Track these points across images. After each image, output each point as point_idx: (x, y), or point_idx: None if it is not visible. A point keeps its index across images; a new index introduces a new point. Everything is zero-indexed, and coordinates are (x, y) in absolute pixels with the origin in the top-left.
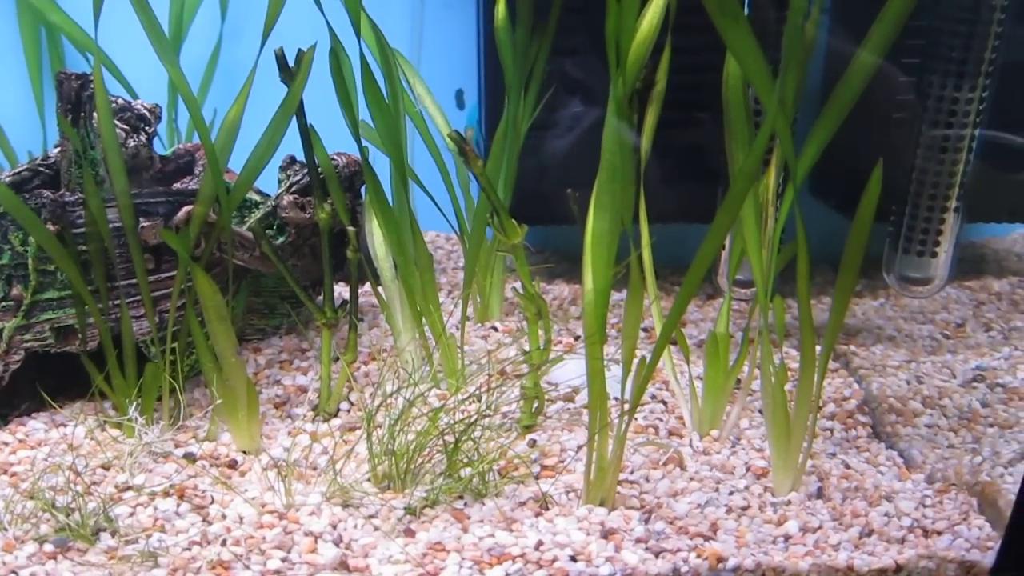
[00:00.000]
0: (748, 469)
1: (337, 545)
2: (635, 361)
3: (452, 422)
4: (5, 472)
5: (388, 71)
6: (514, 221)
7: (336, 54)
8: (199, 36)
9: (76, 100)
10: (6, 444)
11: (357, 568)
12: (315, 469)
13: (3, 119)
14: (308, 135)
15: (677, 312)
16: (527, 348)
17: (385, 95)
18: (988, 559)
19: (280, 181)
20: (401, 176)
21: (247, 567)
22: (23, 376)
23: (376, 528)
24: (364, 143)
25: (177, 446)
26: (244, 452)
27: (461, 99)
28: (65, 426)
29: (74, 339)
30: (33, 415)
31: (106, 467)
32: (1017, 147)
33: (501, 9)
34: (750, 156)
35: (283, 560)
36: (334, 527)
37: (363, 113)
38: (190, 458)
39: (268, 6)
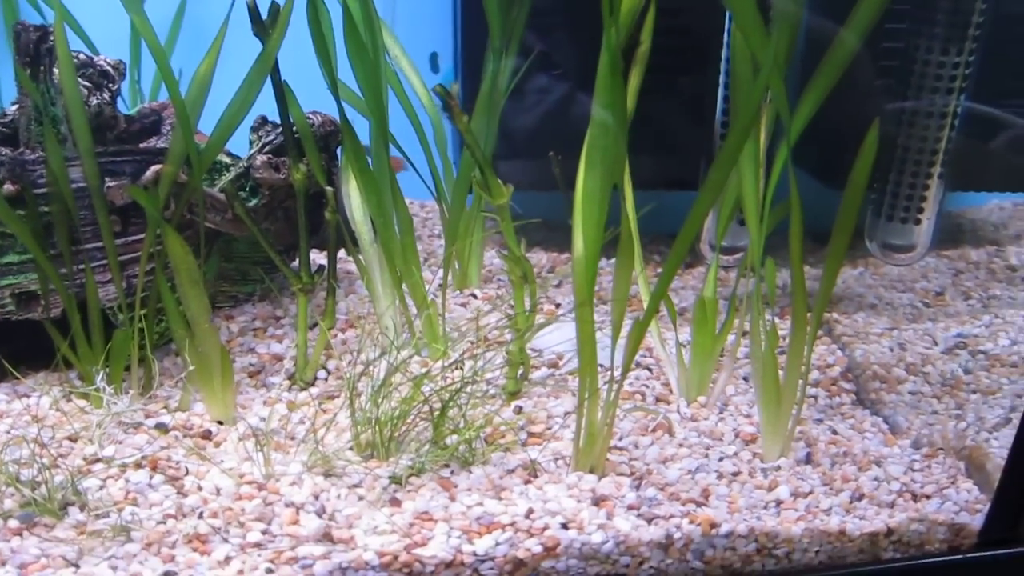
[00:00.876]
0: (737, 435)
1: (320, 516)
2: (624, 326)
3: (436, 389)
4: None
5: (369, 23)
6: (499, 181)
7: (314, 5)
8: None
9: (35, 53)
10: None
11: (342, 539)
12: (293, 439)
13: None
14: (283, 92)
15: (668, 275)
16: (510, 314)
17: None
18: (977, 521)
19: (251, 142)
20: (383, 134)
21: (226, 540)
22: None
23: (360, 498)
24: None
25: (148, 416)
26: (219, 422)
27: (436, 62)
28: (28, 396)
29: (36, 305)
30: None
31: (73, 439)
32: (1001, 116)
33: None
34: (744, 110)
35: (263, 532)
36: (316, 497)
37: (340, 71)
38: (162, 428)
39: None
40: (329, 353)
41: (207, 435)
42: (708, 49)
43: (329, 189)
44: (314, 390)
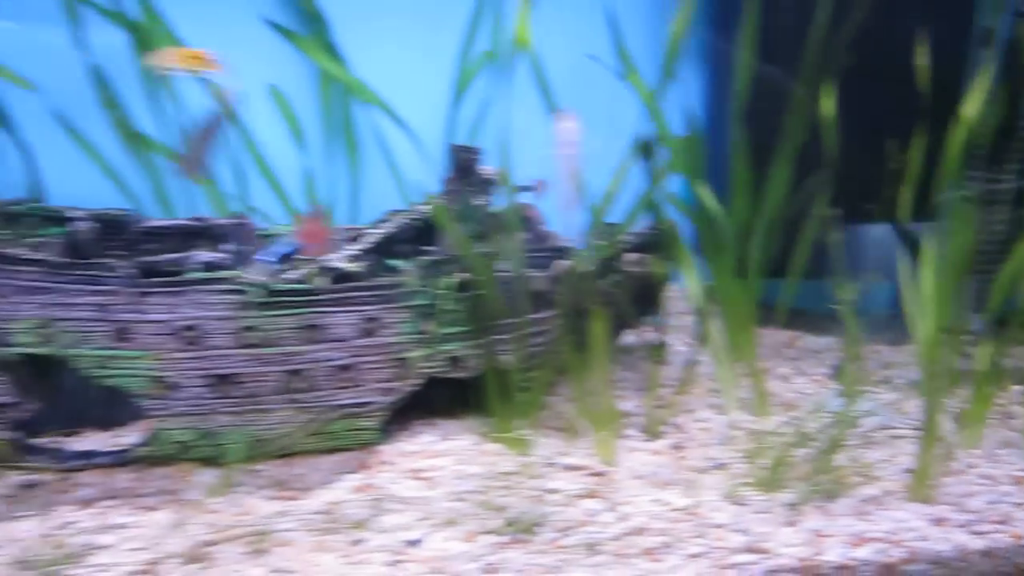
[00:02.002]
0: (1010, 477)
1: (742, 533)
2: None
3: (804, 441)
4: (416, 477)
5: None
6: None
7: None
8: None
9: (464, 168)
10: (413, 453)
11: (764, 550)
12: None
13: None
14: (654, 206)
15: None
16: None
17: None
18: None
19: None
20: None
21: (671, 553)
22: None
23: (766, 520)
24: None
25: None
26: (606, 464)
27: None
28: (452, 440)
29: (462, 367)
30: (419, 429)
31: (508, 475)
32: None
33: (829, 105)
34: None
35: (702, 545)
36: (734, 520)
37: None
38: (570, 468)
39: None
40: (673, 411)
41: (601, 475)
42: None
43: (702, 285)
44: (663, 441)
